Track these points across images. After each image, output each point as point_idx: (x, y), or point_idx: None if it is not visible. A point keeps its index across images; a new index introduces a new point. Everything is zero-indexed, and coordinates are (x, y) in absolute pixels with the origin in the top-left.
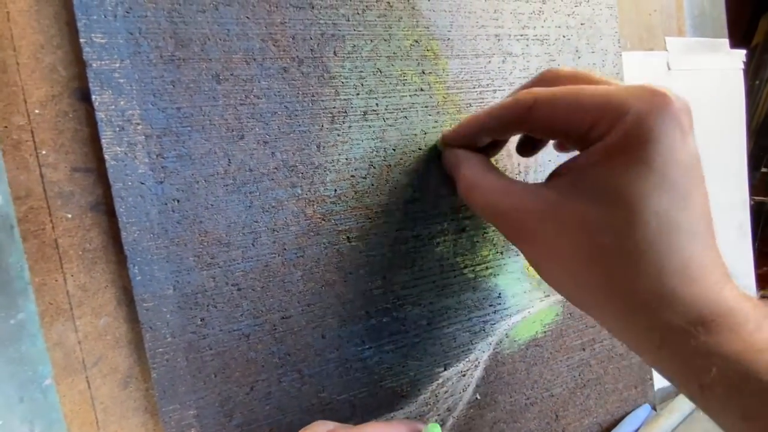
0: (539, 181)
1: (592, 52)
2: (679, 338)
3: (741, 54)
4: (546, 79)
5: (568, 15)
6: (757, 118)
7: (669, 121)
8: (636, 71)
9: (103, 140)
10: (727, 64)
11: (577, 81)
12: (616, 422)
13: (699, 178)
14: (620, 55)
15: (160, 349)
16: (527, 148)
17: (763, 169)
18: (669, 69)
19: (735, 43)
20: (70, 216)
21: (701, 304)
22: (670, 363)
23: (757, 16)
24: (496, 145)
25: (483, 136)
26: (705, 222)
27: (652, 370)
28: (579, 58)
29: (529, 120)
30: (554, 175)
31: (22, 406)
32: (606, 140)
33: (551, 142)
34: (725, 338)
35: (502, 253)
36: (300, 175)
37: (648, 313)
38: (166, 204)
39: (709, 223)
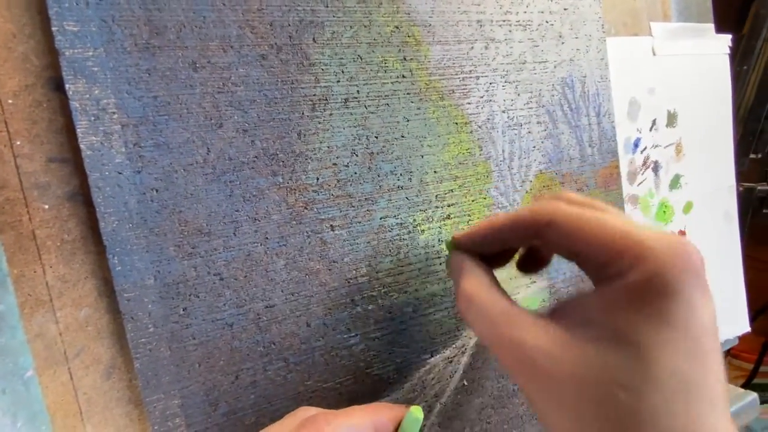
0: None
1: (576, 38)
2: None
3: (727, 39)
4: (563, 199)
5: (551, 0)
6: (746, 104)
7: (692, 278)
8: (621, 56)
9: (78, 130)
10: (712, 49)
11: (594, 208)
12: None
13: (716, 339)
14: (604, 41)
15: (143, 340)
16: (530, 265)
17: (752, 155)
18: (654, 54)
19: (726, 30)
20: (47, 207)
21: None
22: None
23: (748, 4)
24: (505, 256)
25: (495, 243)
26: (721, 387)
27: None
28: (563, 43)
29: (545, 236)
30: (562, 310)
31: (5, 398)
32: (625, 281)
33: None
34: None
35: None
36: (281, 163)
37: None
38: (144, 193)
39: (725, 388)
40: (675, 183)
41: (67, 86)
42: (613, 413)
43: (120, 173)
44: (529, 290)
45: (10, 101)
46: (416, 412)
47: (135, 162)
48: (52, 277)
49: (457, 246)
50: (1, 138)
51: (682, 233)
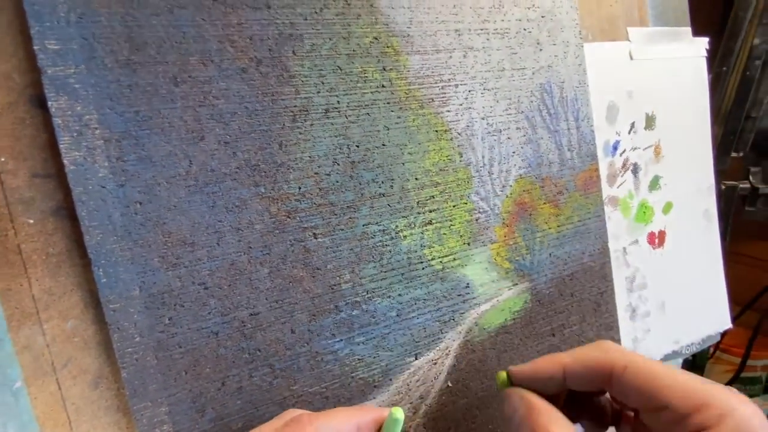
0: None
1: (554, 44)
2: None
3: (704, 42)
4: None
5: (528, 8)
6: (726, 104)
7: (764, 426)
8: (599, 61)
9: (61, 146)
10: (689, 52)
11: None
12: None
13: None
14: (582, 47)
15: (129, 349)
16: (577, 410)
17: (734, 154)
18: (631, 58)
19: (704, 32)
20: (32, 221)
21: None
22: None
23: (727, 7)
24: (557, 397)
25: (557, 384)
26: None
27: None
28: (540, 50)
29: (618, 382)
30: None
31: None
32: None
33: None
34: None
35: (468, 244)
36: (263, 174)
37: None
38: (128, 206)
39: None
40: (654, 184)
41: (49, 103)
42: None
43: (103, 187)
44: (510, 292)
45: None
46: (397, 413)
47: (118, 176)
48: (39, 290)
49: (517, 382)
50: None
51: (663, 233)
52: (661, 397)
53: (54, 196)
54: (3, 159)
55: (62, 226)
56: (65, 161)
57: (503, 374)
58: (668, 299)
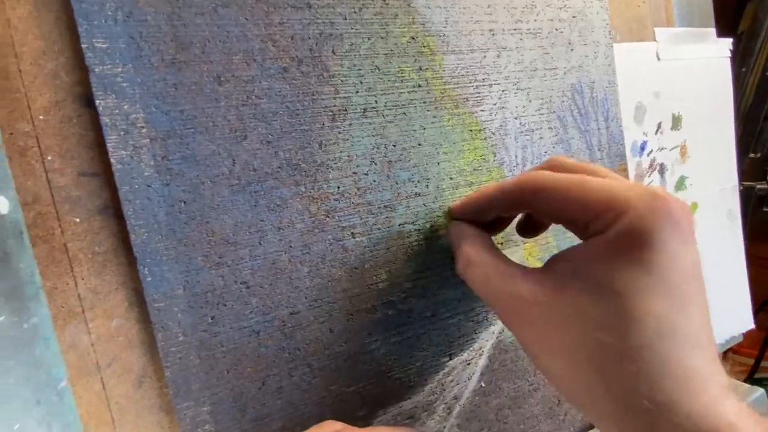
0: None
1: (585, 45)
2: None
3: (728, 42)
4: (554, 166)
5: (560, 8)
6: (745, 103)
7: (669, 226)
8: (626, 62)
9: (108, 144)
10: (714, 53)
11: (583, 171)
12: None
13: (699, 285)
14: (612, 47)
15: (173, 348)
16: (528, 229)
17: (752, 155)
18: (658, 59)
19: (721, 30)
20: (78, 220)
21: (701, 418)
22: None
23: (743, 4)
24: (502, 222)
25: (489, 213)
26: (705, 331)
27: None
28: (572, 50)
29: (534, 203)
30: (553, 262)
31: (39, 409)
32: (606, 236)
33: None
34: None
35: (502, 243)
36: (303, 173)
37: (644, 418)
38: (173, 205)
39: (710, 332)
40: (680, 184)
41: (97, 102)
42: (598, 354)
43: (149, 186)
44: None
45: (41, 117)
46: None
47: (163, 175)
48: (84, 288)
49: (455, 216)
50: (33, 153)
51: None
52: (565, 214)
53: (100, 195)
54: (50, 158)
55: (108, 225)
56: (112, 160)
57: (447, 210)
58: None
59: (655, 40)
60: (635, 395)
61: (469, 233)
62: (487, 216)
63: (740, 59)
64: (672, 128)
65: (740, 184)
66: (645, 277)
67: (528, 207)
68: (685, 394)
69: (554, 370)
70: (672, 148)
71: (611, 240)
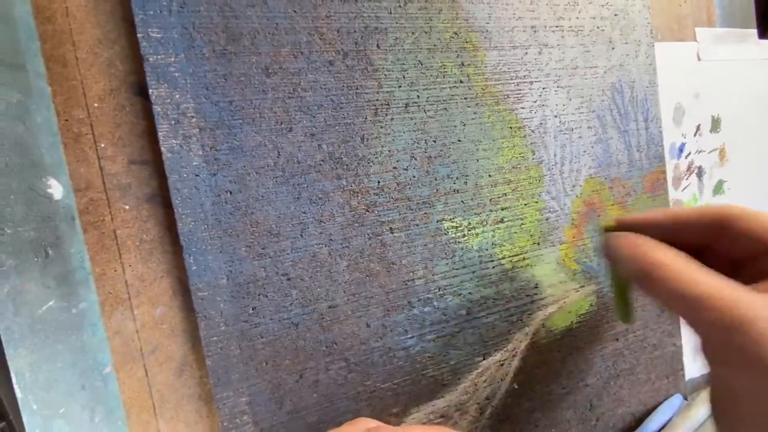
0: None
1: (626, 43)
2: None
3: None
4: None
5: (602, 6)
6: None
7: None
8: (666, 62)
9: (159, 133)
10: (755, 54)
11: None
12: (649, 412)
13: None
14: (653, 46)
15: (215, 338)
16: None
17: None
18: (699, 59)
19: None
20: (127, 207)
21: None
22: None
23: None
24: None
25: (663, 232)
26: None
27: (683, 360)
28: (613, 48)
29: (731, 230)
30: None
31: (84, 394)
32: None
33: None
34: None
35: (538, 244)
36: (345, 167)
37: None
38: (219, 195)
39: None
40: (719, 188)
41: (150, 91)
42: None
43: (197, 175)
44: (577, 294)
45: (95, 105)
46: None
47: (211, 165)
48: (131, 275)
49: (620, 228)
50: (86, 140)
51: None
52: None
53: (149, 183)
54: (103, 145)
55: (156, 213)
56: (163, 149)
57: (607, 221)
58: None
59: (696, 40)
60: None
61: (653, 242)
62: (662, 238)
63: None
64: (711, 131)
65: None
66: None
67: (722, 233)
68: None
69: None
70: (711, 151)
71: None
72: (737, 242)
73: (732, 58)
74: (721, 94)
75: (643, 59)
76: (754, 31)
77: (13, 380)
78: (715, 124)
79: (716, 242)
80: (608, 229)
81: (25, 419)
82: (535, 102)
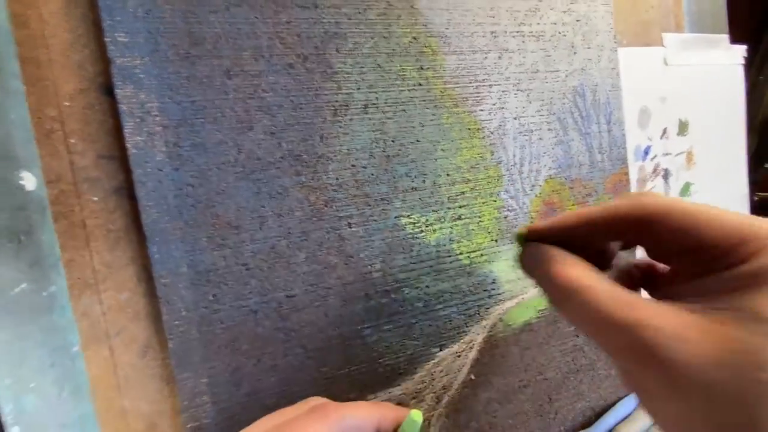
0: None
1: (588, 48)
2: None
3: (741, 49)
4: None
5: (564, 12)
6: (763, 113)
7: None
8: (632, 67)
9: (125, 130)
10: (726, 60)
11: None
12: (609, 407)
13: None
14: (616, 51)
15: (176, 322)
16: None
17: (767, 165)
18: (666, 64)
19: (742, 40)
20: (96, 199)
21: None
22: None
23: (766, 15)
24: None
25: (578, 239)
26: None
27: None
28: (575, 53)
29: (653, 231)
30: (674, 299)
31: (53, 371)
32: (752, 266)
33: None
34: None
35: (496, 240)
36: (304, 164)
37: None
38: (181, 189)
39: None
40: (685, 190)
41: (116, 91)
42: (752, 396)
43: (160, 170)
44: (537, 290)
45: (66, 103)
46: (416, 415)
47: (174, 160)
48: (98, 262)
49: (532, 238)
50: (57, 136)
51: None
52: (695, 242)
53: (116, 177)
54: (73, 141)
55: (122, 205)
56: (128, 144)
57: (521, 231)
58: None
59: (663, 45)
60: None
61: (563, 254)
62: (574, 243)
63: (758, 67)
64: (678, 134)
65: (755, 194)
66: None
67: (642, 234)
68: None
69: (679, 417)
70: (677, 154)
71: (759, 270)
72: (663, 240)
73: (701, 62)
74: (689, 98)
75: (605, 63)
76: (725, 36)
77: None
78: (683, 128)
79: (639, 240)
80: (522, 238)
81: None
82: (494, 105)
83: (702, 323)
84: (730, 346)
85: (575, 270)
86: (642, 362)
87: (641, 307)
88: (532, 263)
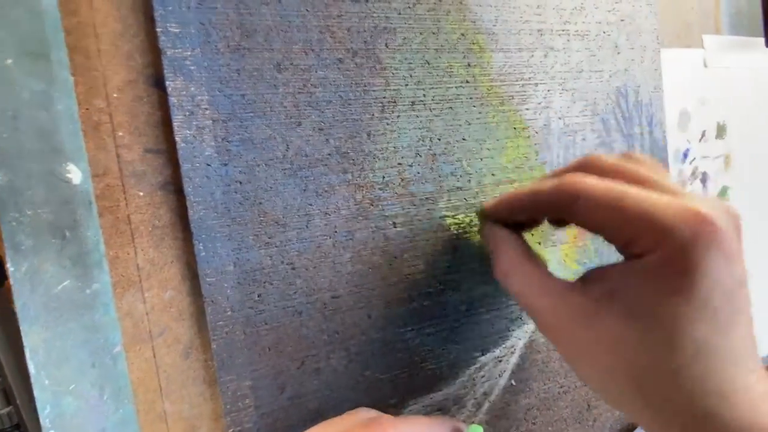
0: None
1: (632, 49)
2: None
3: None
4: (590, 165)
5: (609, 11)
6: None
7: (714, 251)
8: (672, 68)
9: (174, 123)
10: (762, 63)
11: (622, 176)
12: None
13: (743, 302)
14: (659, 52)
15: (221, 322)
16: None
17: None
18: (706, 66)
19: None
20: (142, 194)
21: (738, 425)
22: None
23: None
24: (535, 221)
25: (521, 215)
26: (746, 345)
27: None
28: (618, 53)
29: (570, 212)
30: (591, 280)
31: (94, 372)
32: (647, 260)
33: None
34: None
35: (540, 243)
36: (351, 161)
37: (685, 427)
38: (229, 185)
39: (752, 345)
40: (723, 194)
41: (167, 83)
42: (635, 373)
43: (209, 165)
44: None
45: (115, 95)
46: (475, 429)
47: (222, 155)
48: (143, 259)
49: (487, 216)
50: (105, 129)
51: None
52: (604, 229)
53: (163, 172)
54: (120, 134)
55: (168, 200)
56: (177, 138)
57: (480, 209)
58: None
59: (703, 47)
60: (674, 409)
61: (506, 239)
62: (520, 218)
63: None
64: (717, 137)
65: None
66: (685, 305)
67: (563, 214)
68: (725, 408)
69: (592, 383)
70: (716, 157)
71: (651, 268)
72: (581, 223)
73: (739, 65)
74: (727, 101)
75: (648, 64)
76: (761, 40)
77: (27, 356)
78: (721, 131)
79: (567, 219)
80: (482, 215)
81: (36, 395)
82: (540, 104)
83: (598, 313)
84: (615, 334)
85: (510, 255)
86: (555, 336)
87: (555, 293)
88: (486, 241)
